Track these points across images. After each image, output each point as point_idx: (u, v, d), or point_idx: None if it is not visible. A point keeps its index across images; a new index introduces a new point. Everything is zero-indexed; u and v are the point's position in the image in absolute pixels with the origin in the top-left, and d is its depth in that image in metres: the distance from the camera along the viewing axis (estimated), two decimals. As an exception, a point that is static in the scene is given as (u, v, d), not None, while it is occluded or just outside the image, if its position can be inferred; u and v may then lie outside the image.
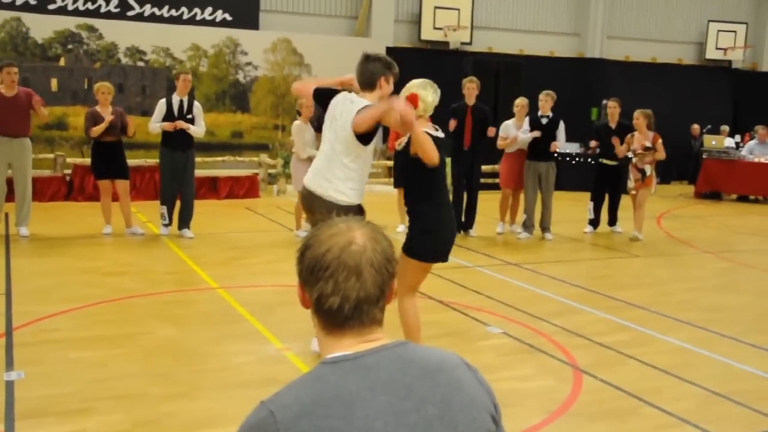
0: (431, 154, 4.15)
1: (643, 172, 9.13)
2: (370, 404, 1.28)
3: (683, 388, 4.36)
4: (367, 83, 4.49)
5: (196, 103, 8.55)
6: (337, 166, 4.43)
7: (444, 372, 1.38)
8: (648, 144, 9.05)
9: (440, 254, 4.40)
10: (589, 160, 13.92)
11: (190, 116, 8.37)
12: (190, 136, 8.38)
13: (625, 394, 4.22)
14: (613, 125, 9.60)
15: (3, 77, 7.84)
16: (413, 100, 4.30)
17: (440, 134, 4.38)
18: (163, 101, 8.41)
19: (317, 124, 8.48)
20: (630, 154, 9.24)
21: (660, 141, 9.09)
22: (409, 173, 4.42)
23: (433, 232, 4.32)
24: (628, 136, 9.30)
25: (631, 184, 9.27)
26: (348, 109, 4.41)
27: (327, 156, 4.52)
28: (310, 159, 8.38)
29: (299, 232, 8.69)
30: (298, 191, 8.63)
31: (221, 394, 4.05)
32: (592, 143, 10.11)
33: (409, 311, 4.44)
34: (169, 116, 8.28)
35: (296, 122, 8.69)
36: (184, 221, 8.54)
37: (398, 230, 8.95)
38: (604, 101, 16.01)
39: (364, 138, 4.35)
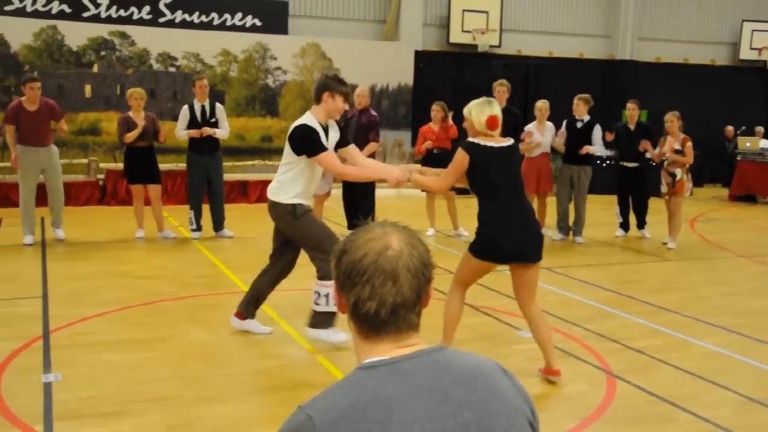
0: (433, 188, 4.86)
1: (673, 175, 8.90)
2: (407, 409, 1.29)
3: (719, 394, 4.29)
4: (315, 97, 5.02)
5: (218, 106, 8.64)
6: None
7: (481, 377, 1.37)
8: (678, 147, 8.86)
9: (493, 255, 4.33)
10: (606, 162, 13.65)
11: (213, 120, 8.47)
12: (216, 140, 8.50)
13: (659, 399, 4.17)
14: (632, 126, 9.49)
15: (27, 92, 7.96)
16: (494, 122, 4.32)
17: (498, 144, 4.35)
18: (186, 108, 8.52)
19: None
20: (663, 158, 9.08)
21: (689, 144, 8.83)
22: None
23: (488, 231, 4.32)
24: (661, 139, 9.15)
25: (664, 189, 9.04)
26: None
27: None
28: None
29: None
30: (315, 194, 8.71)
31: (253, 397, 4.08)
32: (608, 137, 9.78)
33: (450, 303, 4.54)
34: (192, 122, 8.41)
35: None
36: (219, 223, 8.71)
37: (427, 234, 8.94)
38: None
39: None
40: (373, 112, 8.76)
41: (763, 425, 3.90)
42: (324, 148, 4.76)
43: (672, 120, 8.91)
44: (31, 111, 7.99)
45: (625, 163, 9.54)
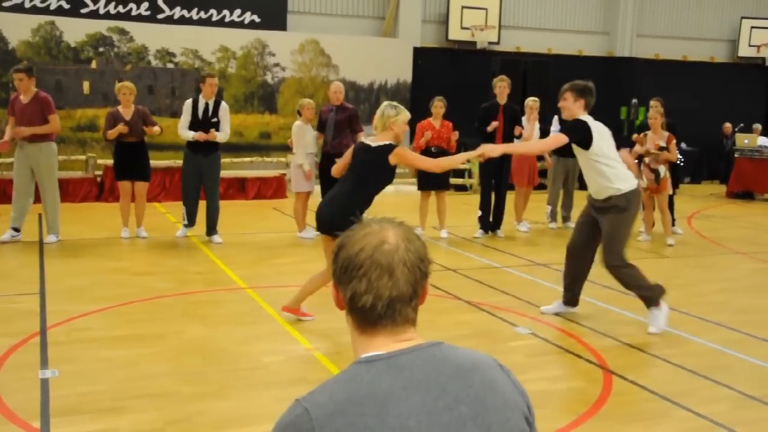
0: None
1: (657, 173, 8.93)
2: (404, 403, 1.29)
3: (715, 391, 4.30)
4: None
5: (223, 105, 8.38)
6: None
7: (478, 372, 1.38)
8: (662, 144, 8.88)
9: None
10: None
11: (215, 119, 8.23)
12: (213, 141, 8.28)
13: (655, 396, 4.18)
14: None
15: (15, 84, 7.72)
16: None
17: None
18: (189, 102, 8.32)
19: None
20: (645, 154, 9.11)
21: (674, 142, 8.92)
22: None
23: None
24: (641, 135, 9.19)
25: (643, 183, 9.09)
26: None
27: None
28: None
29: (303, 234, 8.71)
30: (296, 192, 8.69)
31: (251, 393, 4.09)
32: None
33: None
34: (194, 119, 8.20)
35: (297, 122, 8.69)
36: (211, 227, 8.42)
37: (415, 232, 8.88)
38: (634, 100, 15.88)
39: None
40: (349, 105, 8.79)
41: (760, 422, 3.91)
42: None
43: (655, 117, 8.97)
44: (24, 103, 7.71)
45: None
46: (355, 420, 1.27)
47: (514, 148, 5.38)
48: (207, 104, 8.26)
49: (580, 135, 5.21)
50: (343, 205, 4.92)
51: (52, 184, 7.95)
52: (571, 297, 5.78)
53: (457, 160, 5.75)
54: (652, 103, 9.63)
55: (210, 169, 8.32)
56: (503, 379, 1.42)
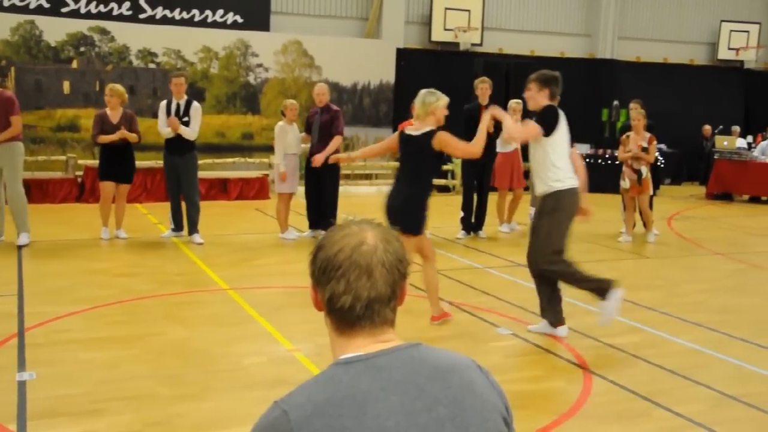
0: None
1: (639, 173, 9.08)
2: (382, 404, 1.29)
3: (694, 390, 4.34)
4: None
5: (194, 105, 8.33)
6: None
7: (456, 373, 1.38)
8: (645, 145, 9.03)
9: None
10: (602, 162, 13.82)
11: (186, 118, 8.21)
12: (188, 141, 8.24)
13: (635, 395, 4.21)
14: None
15: None
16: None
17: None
18: (164, 103, 8.37)
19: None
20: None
21: (654, 143, 9.10)
22: None
23: None
24: (624, 136, 9.30)
25: (625, 185, 9.22)
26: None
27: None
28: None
29: (285, 235, 8.69)
30: (279, 193, 8.66)
31: (231, 395, 4.07)
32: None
33: None
34: (167, 118, 8.22)
35: (280, 123, 8.65)
36: (191, 227, 8.40)
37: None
38: (615, 102, 16.00)
39: None
40: (334, 107, 8.73)
41: (737, 420, 3.95)
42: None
43: (639, 119, 9.10)
44: None
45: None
46: (333, 422, 1.26)
47: (506, 121, 5.36)
48: (178, 104, 8.27)
49: (550, 120, 5.15)
50: (406, 197, 5.20)
51: (18, 184, 7.78)
52: (555, 316, 5.33)
53: (483, 136, 5.44)
54: (631, 105, 9.74)
55: (185, 168, 8.31)
56: (481, 380, 1.42)
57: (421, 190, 5.23)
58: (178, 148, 8.23)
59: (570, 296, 6.38)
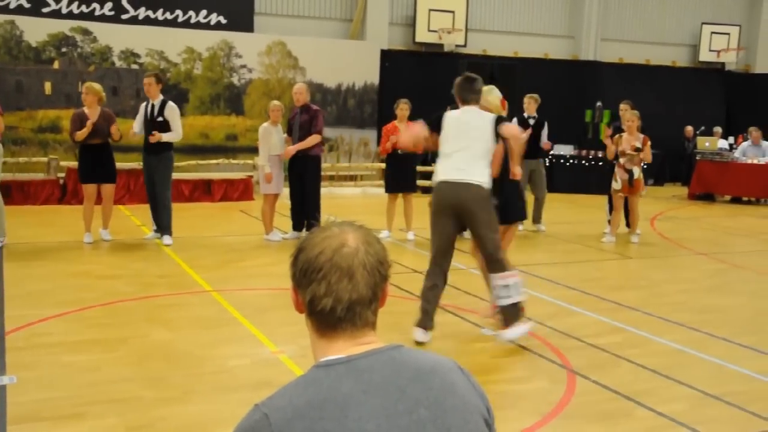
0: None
1: (631, 173, 9.13)
2: (363, 407, 1.29)
3: (676, 390, 4.37)
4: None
5: (169, 105, 8.20)
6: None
7: (437, 375, 1.38)
8: (638, 145, 9.08)
9: None
10: (584, 162, 13.90)
11: (160, 119, 8.12)
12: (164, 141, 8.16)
13: (618, 395, 4.23)
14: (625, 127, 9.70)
15: None
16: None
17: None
18: (144, 104, 8.32)
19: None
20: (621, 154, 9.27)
21: (649, 143, 9.13)
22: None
23: None
24: (616, 136, 9.37)
25: (617, 185, 9.27)
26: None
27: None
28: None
29: (269, 236, 8.66)
30: (264, 194, 8.64)
31: (215, 397, 4.05)
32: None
33: None
34: (144, 119, 8.21)
35: (264, 124, 8.63)
36: (161, 227, 8.31)
37: (381, 235, 8.82)
38: (599, 103, 16.10)
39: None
40: (314, 106, 8.68)
41: (718, 419, 3.99)
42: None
43: (633, 120, 9.14)
44: None
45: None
46: (314, 425, 1.26)
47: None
48: (152, 104, 8.19)
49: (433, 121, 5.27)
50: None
51: None
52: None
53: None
54: (622, 106, 9.78)
55: (158, 168, 8.20)
56: (463, 382, 1.42)
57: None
58: (153, 148, 8.15)
59: (554, 297, 6.41)
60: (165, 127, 8.14)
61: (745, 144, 14.79)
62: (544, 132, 9.93)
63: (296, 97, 8.61)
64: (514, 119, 9.69)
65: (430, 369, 1.39)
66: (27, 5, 12.63)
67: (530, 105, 9.91)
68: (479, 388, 1.46)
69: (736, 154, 14.63)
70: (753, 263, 8.42)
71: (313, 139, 8.45)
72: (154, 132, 8.06)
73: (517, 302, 4.97)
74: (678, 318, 5.89)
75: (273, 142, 8.51)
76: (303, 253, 1.42)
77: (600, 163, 13.99)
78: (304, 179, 8.55)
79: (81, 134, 7.95)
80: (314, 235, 1.44)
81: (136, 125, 8.31)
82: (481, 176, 5.00)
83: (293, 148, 8.41)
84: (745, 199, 14.63)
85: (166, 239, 8.24)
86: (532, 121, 9.80)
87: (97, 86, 8.21)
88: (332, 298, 1.38)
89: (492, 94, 5.51)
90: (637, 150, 9.07)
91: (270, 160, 8.51)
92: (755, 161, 14.06)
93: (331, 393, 1.30)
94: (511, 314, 4.96)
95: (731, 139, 16.89)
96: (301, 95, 8.59)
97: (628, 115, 9.27)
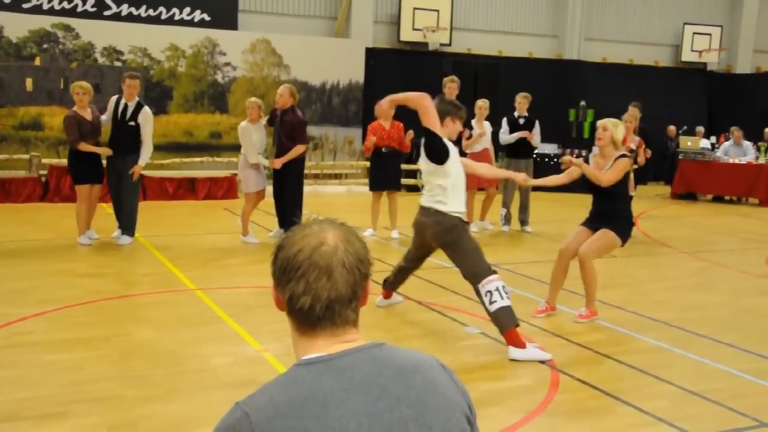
0: (602, 180, 5.65)
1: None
2: (344, 405, 1.29)
3: (658, 387, 4.40)
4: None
5: (144, 111, 7.99)
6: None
7: (419, 373, 1.38)
8: (633, 147, 9.11)
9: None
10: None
11: (132, 123, 7.93)
12: (128, 142, 7.94)
13: (601, 393, 4.26)
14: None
15: None
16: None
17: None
18: (113, 99, 8.07)
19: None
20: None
21: (644, 146, 9.17)
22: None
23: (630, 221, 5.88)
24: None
25: None
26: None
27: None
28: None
29: (246, 239, 8.54)
30: (246, 192, 8.54)
31: (198, 396, 4.03)
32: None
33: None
34: (114, 117, 7.99)
35: (242, 123, 8.48)
36: (122, 226, 8.16)
37: (365, 234, 8.80)
38: (582, 102, 16.18)
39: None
40: (299, 113, 8.43)
41: (700, 416, 4.02)
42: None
43: (631, 120, 9.20)
44: None
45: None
46: (295, 423, 1.26)
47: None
48: (126, 105, 7.98)
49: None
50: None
51: None
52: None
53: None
54: (630, 108, 9.78)
55: (125, 168, 7.99)
56: (445, 380, 1.42)
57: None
58: (119, 149, 7.94)
59: (539, 295, 6.43)
60: (135, 131, 7.94)
61: (726, 144, 14.93)
62: (536, 132, 9.86)
63: (278, 99, 8.37)
64: (504, 120, 9.84)
65: (412, 367, 1.39)
66: (7, 1, 12.50)
67: (521, 104, 9.85)
68: (461, 386, 1.46)
69: (718, 153, 14.77)
70: (735, 262, 8.50)
71: (297, 150, 8.29)
72: (133, 171, 7.91)
73: (506, 306, 4.88)
74: (660, 316, 5.93)
75: (253, 141, 8.36)
76: (282, 251, 1.42)
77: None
78: (286, 177, 8.46)
79: (87, 149, 7.80)
80: (294, 233, 1.43)
81: (104, 118, 8.11)
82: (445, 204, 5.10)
83: (279, 162, 8.27)
84: (726, 198, 14.76)
85: (125, 239, 8.08)
86: (522, 121, 9.80)
87: (88, 85, 8.08)
88: (311, 297, 1.37)
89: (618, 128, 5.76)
90: (632, 151, 9.08)
91: (251, 157, 8.36)
92: (737, 161, 14.20)
93: (312, 391, 1.30)
94: (502, 320, 4.84)
95: (713, 139, 17.04)
96: (282, 98, 8.32)
97: (627, 116, 9.25)
